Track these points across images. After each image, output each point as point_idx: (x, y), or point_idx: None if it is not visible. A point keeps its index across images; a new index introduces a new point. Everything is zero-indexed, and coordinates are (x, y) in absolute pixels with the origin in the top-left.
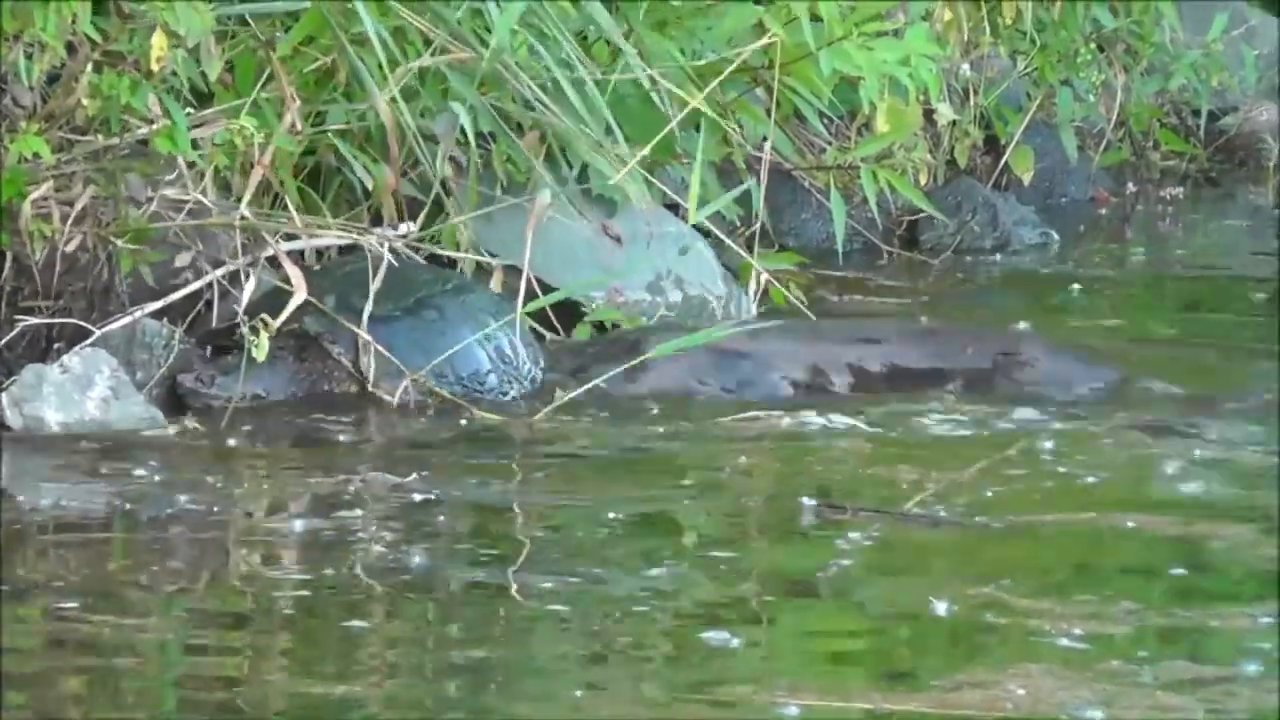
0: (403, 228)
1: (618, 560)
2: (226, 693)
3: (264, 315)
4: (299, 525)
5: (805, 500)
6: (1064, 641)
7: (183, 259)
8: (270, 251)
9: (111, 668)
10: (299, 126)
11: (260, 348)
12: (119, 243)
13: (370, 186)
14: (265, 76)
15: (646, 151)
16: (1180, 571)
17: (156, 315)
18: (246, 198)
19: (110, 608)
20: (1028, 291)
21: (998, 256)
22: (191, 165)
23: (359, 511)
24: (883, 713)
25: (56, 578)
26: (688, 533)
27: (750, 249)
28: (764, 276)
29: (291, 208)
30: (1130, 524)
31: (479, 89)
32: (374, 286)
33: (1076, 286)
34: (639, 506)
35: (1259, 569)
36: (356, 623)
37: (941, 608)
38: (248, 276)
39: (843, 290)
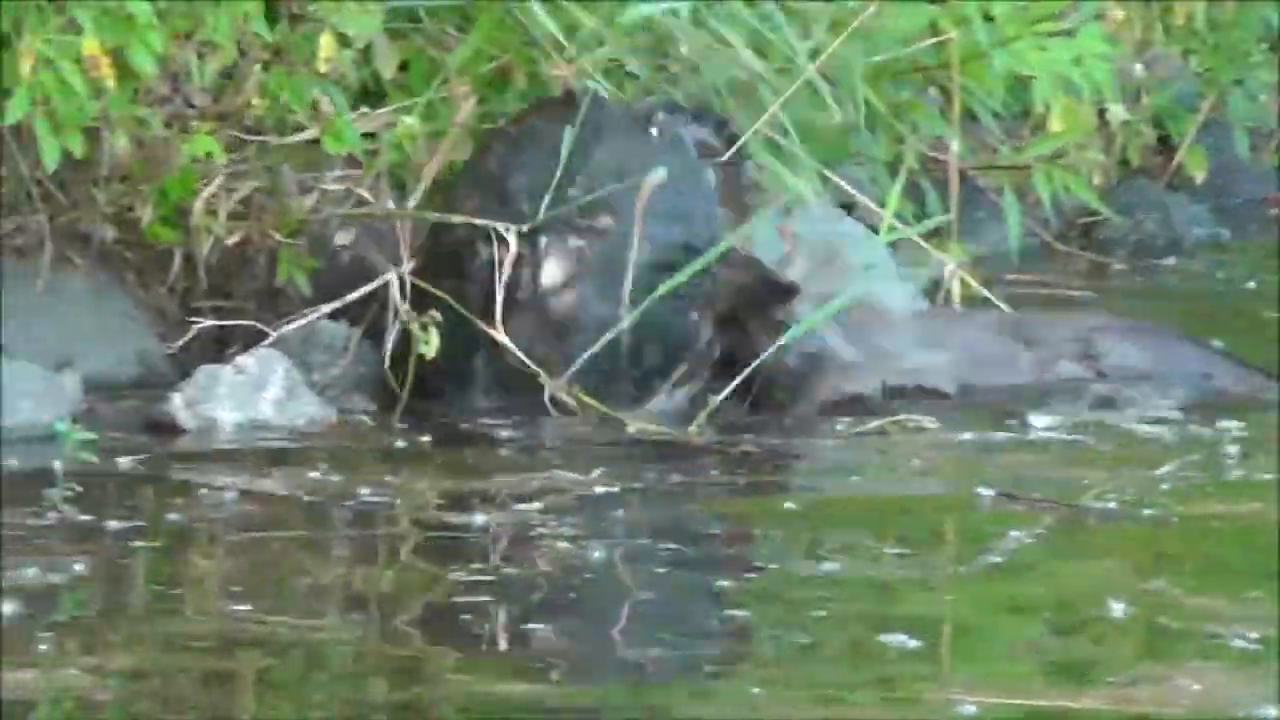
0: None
1: (797, 554)
2: (405, 692)
3: (433, 311)
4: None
5: (982, 490)
6: (1238, 641)
7: (342, 238)
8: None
9: (283, 665)
10: (468, 124)
11: (429, 344)
12: (278, 237)
13: None
14: (441, 77)
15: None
16: None
17: (333, 315)
18: (417, 197)
19: (287, 607)
20: (1207, 294)
21: (1172, 259)
22: (364, 166)
23: (538, 504)
24: (1058, 710)
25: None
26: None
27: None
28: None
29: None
30: None
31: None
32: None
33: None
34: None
35: None
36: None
37: (1118, 607)
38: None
39: (1018, 289)
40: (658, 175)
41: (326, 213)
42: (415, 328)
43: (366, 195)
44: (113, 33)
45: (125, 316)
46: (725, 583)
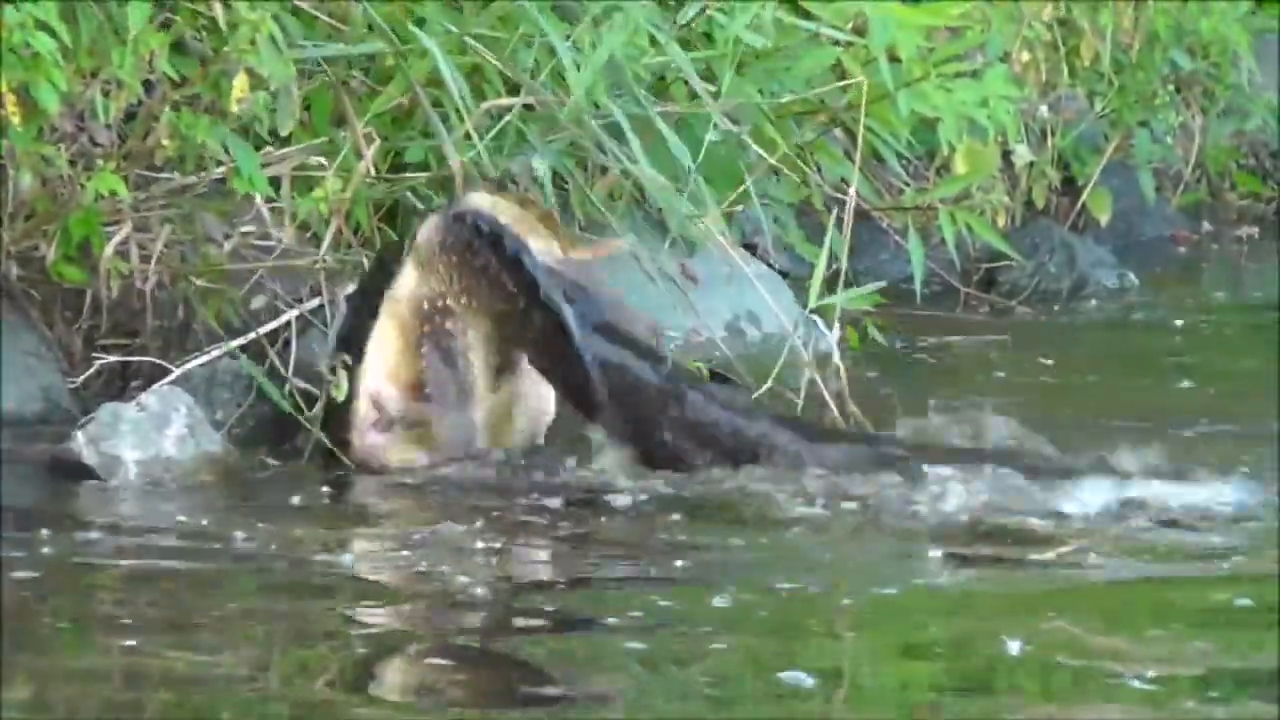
0: None
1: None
2: None
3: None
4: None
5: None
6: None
7: (258, 302)
8: (350, 289)
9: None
10: (372, 170)
11: (340, 389)
12: (197, 283)
13: None
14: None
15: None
16: None
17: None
18: (327, 241)
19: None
20: (1116, 337)
21: (1092, 302)
22: (270, 204)
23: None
24: None
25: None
26: None
27: (830, 289)
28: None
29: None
30: None
31: (556, 130)
32: None
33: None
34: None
35: None
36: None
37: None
38: (331, 315)
39: (921, 331)
40: (623, 244)
41: (249, 264)
42: (325, 369)
43: (287, 240)
44: (17, 70)
45: (30, 354)
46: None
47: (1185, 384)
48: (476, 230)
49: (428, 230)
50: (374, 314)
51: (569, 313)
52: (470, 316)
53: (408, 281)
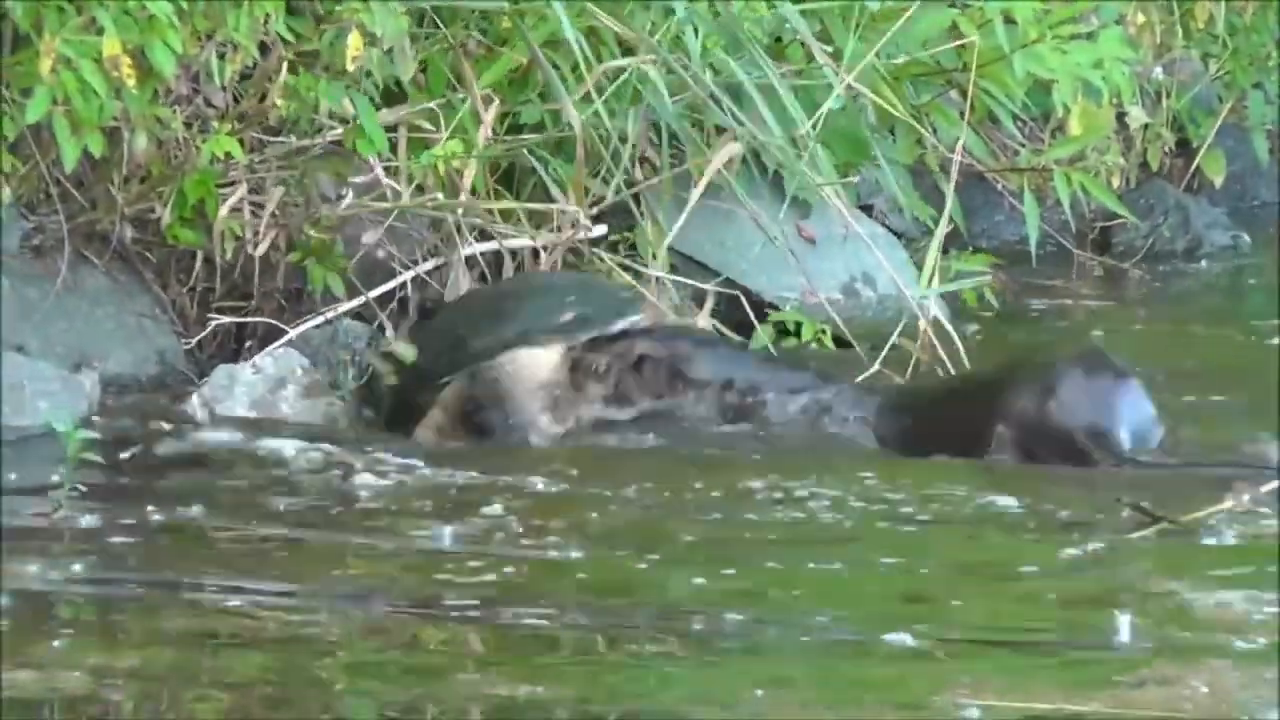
0: (595, 229)
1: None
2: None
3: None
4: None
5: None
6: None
7: (369, 237)
8: (466, 251)
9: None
10: (490, 133)
11: (390, 375)
12: (312, 234)
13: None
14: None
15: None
16: None
17: (354, 315)
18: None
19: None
20: (1229, 299)
21: (1203, 263)
22: (387, 169)
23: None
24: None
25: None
26: None
27: (944, 250)
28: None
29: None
30: None
31: (673, 92)
32: None
33: None
34: None
35: None
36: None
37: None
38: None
39: (1036, 294)
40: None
41: (355, 205)
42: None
43: (399, 188)
44: (133, 33)
45: (144, 316)
46: None
47: None
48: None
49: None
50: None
51: None
52: None
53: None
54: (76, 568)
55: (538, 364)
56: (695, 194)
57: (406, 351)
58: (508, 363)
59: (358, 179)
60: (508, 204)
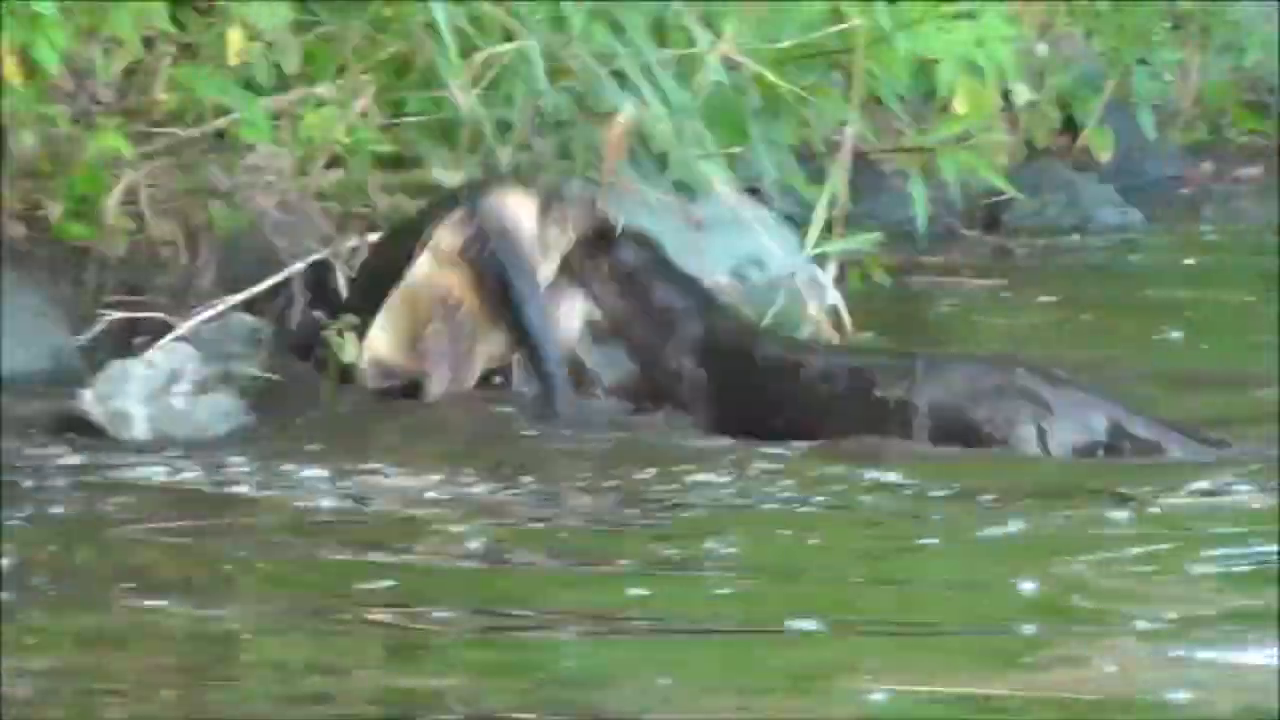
0: None
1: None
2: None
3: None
4: None
5: None
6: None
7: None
8: (354, 242)
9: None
10: (369, 113)
11: (348, 350)
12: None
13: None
14: (342, 66)
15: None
16: None
17: (245, 308)
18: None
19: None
20: (1118, 278)
21: (1077, 237)
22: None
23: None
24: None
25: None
26: None
27: (830, 231)
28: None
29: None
30: None
31: (554, 76)
32: None
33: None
34: None
35: None
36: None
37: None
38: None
39: (923, 272)
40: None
41: (245, 184)
42: (332, 333)
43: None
44: (17, 30)
45: (36, 313)
46: None
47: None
48: (486, 243)
49: (446, 232)
50: (383, 292)
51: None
52: (479, 310)
53: (422, 269)
54: None
55: (525, 206)
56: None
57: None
58: (501, 200)
59: (247, 161)
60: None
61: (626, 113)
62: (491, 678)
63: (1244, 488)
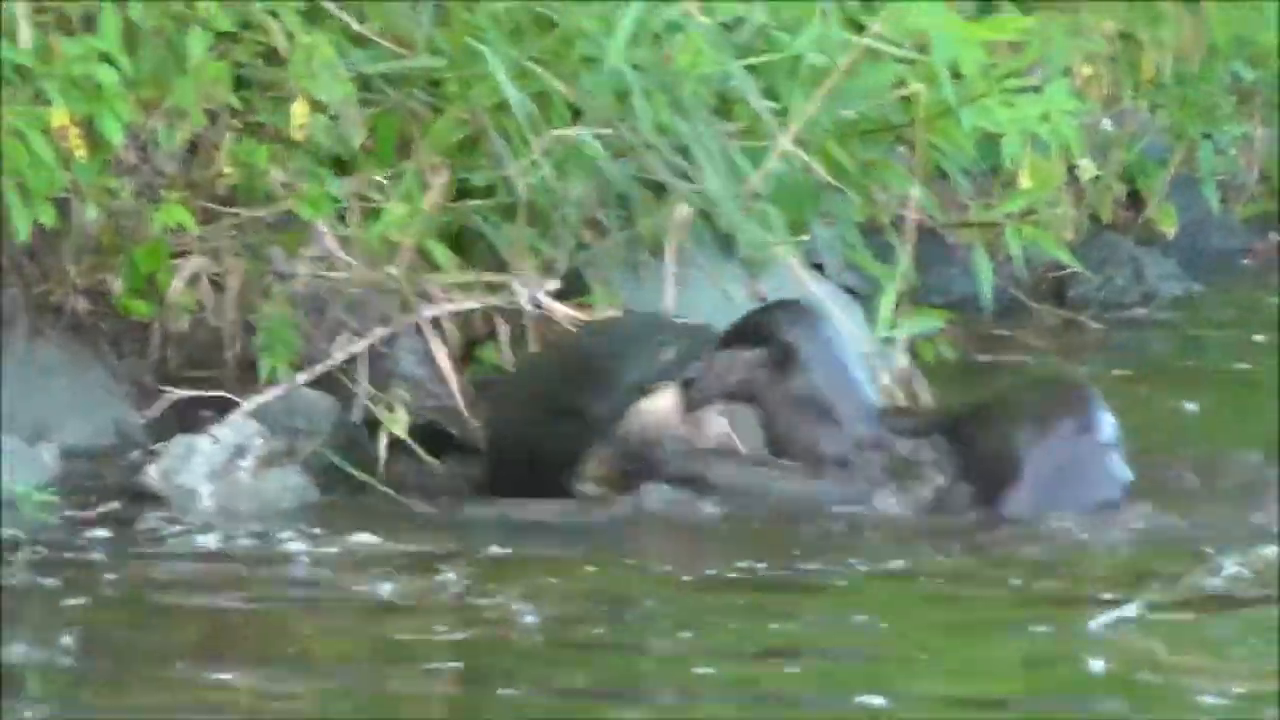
0: (547, 284)
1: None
2: None
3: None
4: None
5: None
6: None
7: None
8: (416, 317)
9: None
10: (439, 198)
11: (397, 423)
12: (269, 312)
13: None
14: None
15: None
16: None
17: (312, 385)
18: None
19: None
20: (1181, 348)
21: (1144, 313)
22: (337, 236)
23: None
24: None
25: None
26: None
27: (898, 307)
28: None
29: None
30: None
31: (620, 153)
32: None
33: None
34: None
35: None
36: None
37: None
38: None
39: (990, 347)
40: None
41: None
42: (383, 406)
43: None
44: (81, 102)
45: (100, 387)
46: None
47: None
48: None
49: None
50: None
51: None
52: None
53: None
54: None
55: (666, 408)
56: (669, 258)
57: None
58: (641, 413)
59: (310, 253)
60: (464, 277)
61: (682, 209)
62: None
63: None
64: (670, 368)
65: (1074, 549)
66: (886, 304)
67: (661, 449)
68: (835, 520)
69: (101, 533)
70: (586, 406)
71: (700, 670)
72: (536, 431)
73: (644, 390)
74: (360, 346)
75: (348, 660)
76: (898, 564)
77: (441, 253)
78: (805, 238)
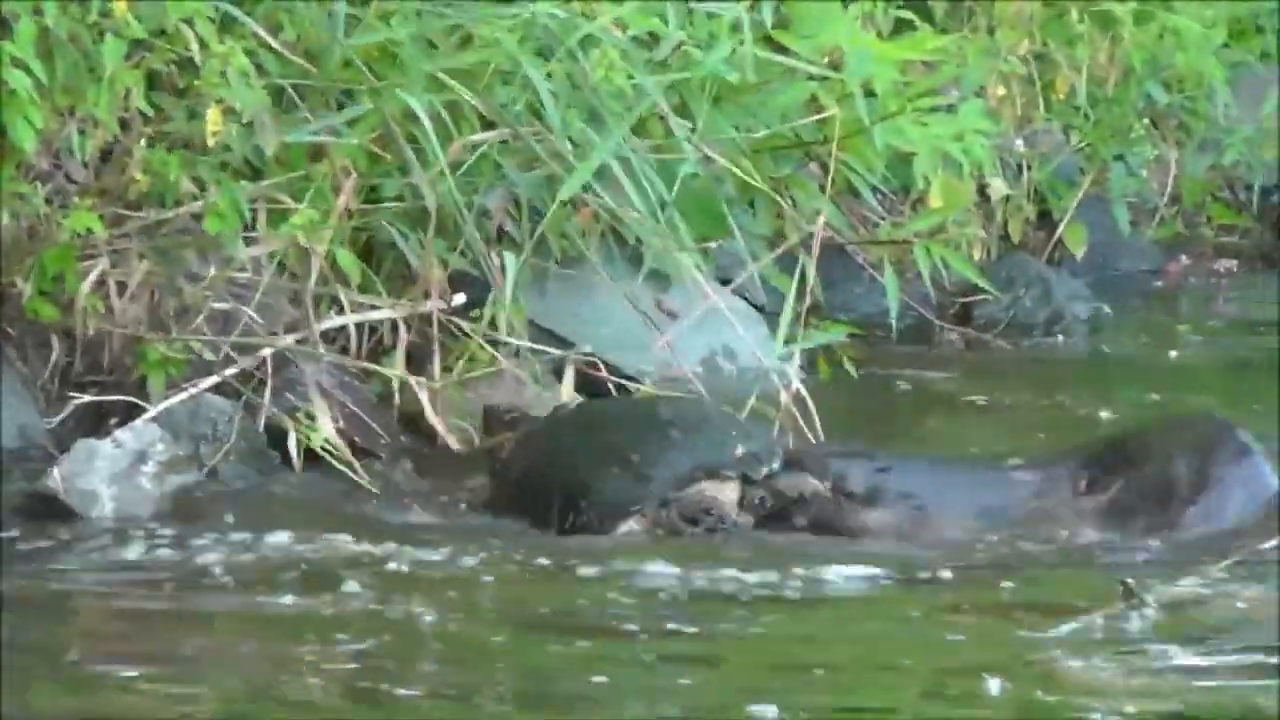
0: (455, 299)
1: None
2: None
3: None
4: None
5: None
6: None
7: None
8: (324, 326)
9: None
10: (352, 205)
11: (317, 434)
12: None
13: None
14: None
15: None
16: None
17: (217, 390)
18: (313, 279)
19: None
20: (1089, 369)
21: (1059, 338)
22: (247, 241)
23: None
24: None
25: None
26: None
27: (805, 324)
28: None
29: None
30: None
31: (531, 164)
32: None
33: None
34: None
35: None
36: None
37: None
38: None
39: (895, 364)
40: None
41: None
42: (300, 418)
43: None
44: None
45: (6, 391)
46: None
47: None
48: None
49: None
50: None
51: None
52: None
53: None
54: None
55: (725, 497)
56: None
57: None
58: (699, 493)
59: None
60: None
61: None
62: None
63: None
64: (737, 461)
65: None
66: (786, 319)
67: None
68: None
69: (3, 534)
70: (648, 466)
71: (597, 678)
72: (576, 468)
73: (710, 473)
74: (267, 353)
75: (249, 662)
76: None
77: (348, 260)
78: (711, 248)
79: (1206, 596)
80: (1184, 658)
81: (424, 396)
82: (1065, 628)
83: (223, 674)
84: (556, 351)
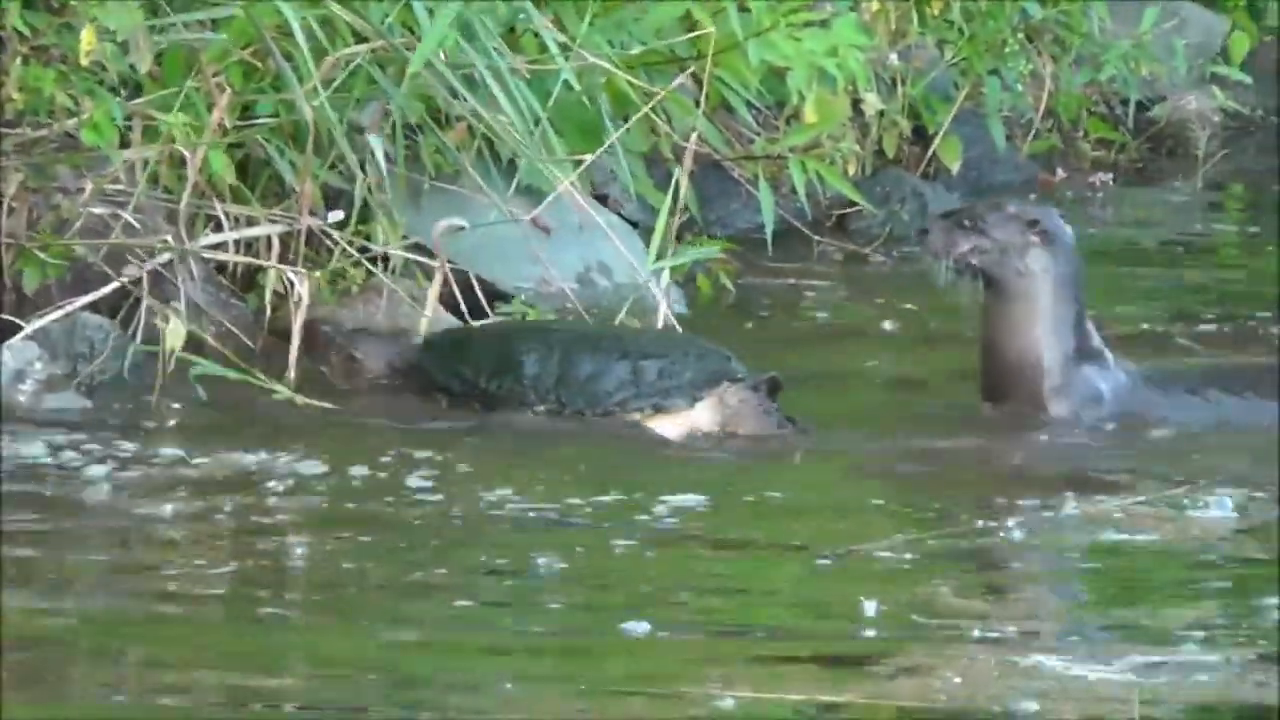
0: (331, 216)
1: None
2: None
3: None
4: None
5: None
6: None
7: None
8: (200, 244)
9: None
10: (227, 122)
11: (175, 334)
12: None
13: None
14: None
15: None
16: None
17: (94, 308)
18: (187, 191)
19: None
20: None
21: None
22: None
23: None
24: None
25: None
26: None
27: (678, 238)
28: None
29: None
30: None
31: (406, 80)
32: None
33: None
34: None
35: None
36: None
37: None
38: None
39: (771, 278)
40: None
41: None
42: (159, 320)
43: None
44: None
45: None
46: None
47: None
48: None
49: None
50: None
51: None
52: None
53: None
54: None
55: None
56: None
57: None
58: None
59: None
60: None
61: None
62: (333, 672)
63: None
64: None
65: None
66: (660, 234)
67: None
68: None
69: None
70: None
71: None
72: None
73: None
74: (143, 270)
75: (117, 582)
76: None
77: (221, 163)
78: (585, 163)
79: None
80: None
81: (304, 290)
82: None
83: (86, 595)
84: (430, 262)
